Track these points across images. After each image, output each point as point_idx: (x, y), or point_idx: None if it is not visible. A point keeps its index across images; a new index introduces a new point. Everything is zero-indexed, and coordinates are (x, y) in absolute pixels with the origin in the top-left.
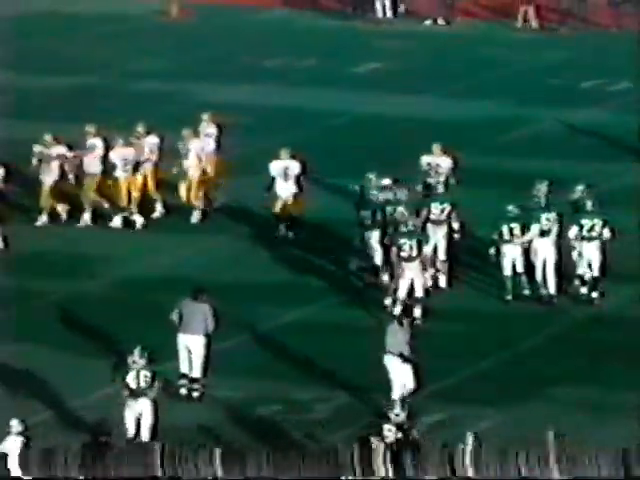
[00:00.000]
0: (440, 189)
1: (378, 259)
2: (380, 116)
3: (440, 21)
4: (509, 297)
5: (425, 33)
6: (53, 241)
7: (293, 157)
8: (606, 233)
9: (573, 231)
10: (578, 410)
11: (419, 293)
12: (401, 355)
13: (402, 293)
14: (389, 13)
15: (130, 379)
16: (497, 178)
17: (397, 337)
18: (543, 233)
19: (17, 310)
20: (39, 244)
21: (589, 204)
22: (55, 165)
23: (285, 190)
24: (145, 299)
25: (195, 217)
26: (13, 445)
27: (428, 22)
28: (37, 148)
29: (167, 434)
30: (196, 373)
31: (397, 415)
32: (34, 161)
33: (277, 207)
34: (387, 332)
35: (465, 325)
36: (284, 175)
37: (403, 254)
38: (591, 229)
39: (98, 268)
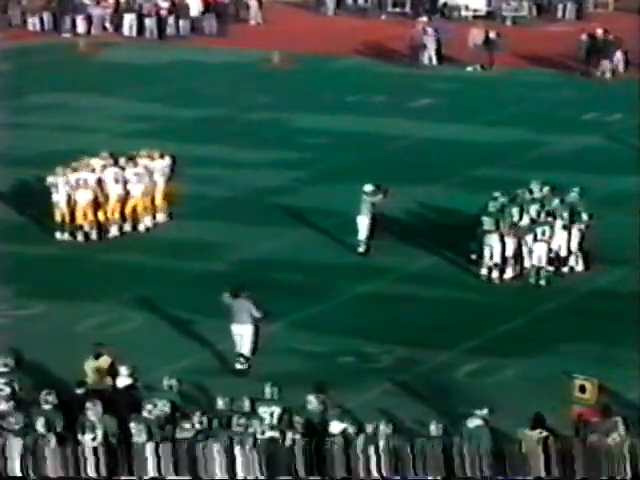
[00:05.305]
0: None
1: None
2: (431, 139)
3: (478, 67)
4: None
5: (466, 77)
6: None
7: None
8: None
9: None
10: (582, 361)
11: (497, 258)
12: None
13: (488, 256)
14: (435, 61)
15: None
16: (520, 186)
17: None
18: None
19: (162, 283)
20: (178, 235)
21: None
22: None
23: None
24: (254, 275)
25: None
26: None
27: (469, 68)
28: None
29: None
30: (245, 351)
31: None
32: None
33: None
34: None
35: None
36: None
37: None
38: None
39: (220, 253)
